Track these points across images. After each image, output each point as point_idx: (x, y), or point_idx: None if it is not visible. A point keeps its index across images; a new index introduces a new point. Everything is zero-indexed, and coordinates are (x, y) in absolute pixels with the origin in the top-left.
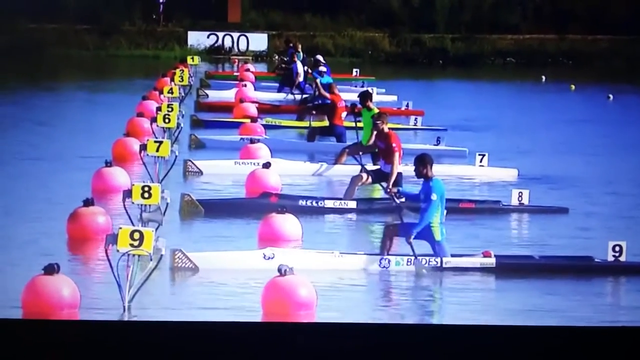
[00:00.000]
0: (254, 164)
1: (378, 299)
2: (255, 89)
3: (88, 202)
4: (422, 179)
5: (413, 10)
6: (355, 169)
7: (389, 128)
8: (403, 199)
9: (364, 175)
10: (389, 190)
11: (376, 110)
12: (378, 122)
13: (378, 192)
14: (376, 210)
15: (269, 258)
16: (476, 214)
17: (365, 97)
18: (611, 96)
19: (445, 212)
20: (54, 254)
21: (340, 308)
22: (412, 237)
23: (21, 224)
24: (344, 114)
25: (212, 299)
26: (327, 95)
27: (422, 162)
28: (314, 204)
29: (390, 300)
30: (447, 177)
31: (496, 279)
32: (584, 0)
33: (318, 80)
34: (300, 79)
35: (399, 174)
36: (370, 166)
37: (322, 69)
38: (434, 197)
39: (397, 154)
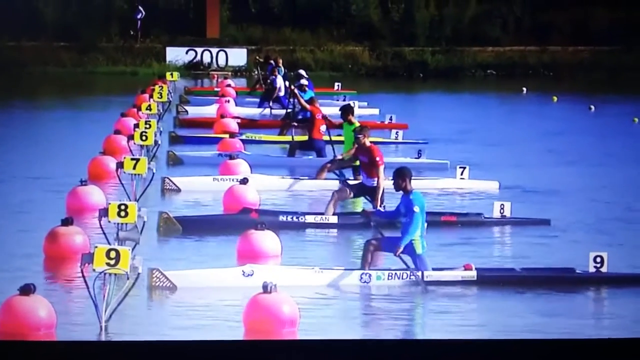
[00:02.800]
0: (232, 180)
1: (359, 315)
2: (236, 105)
3: (67, 222)
4: (402, 193)
5: (393, 24)
6: (335, 184)
7: (370, 141)
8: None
9: (346, 190)
10: (363, 212)
11: (358, 124)
12: (360, 135)
13: (359, 206)
14: (357, 225)
15: (249, 275)
16: (458, 227)
17: (346, 111)
18: (593, 107)
19: (426, 225)
20: (30, 274)
21: (322, 324)
22: (400, 251)
23: None
24: (323, 127)
25: (191, 317)
26: (307, 106)
27: (401, 175)
28: (295, 219)
29: (371, 316)
30: (428, 191)
31: (477, 292)
32: (565, 11)
33: (295, 90)
34: (281, 93)
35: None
36: (351, 181)
37: (304, 82)
38: (416, 209)
39: (381, 168)
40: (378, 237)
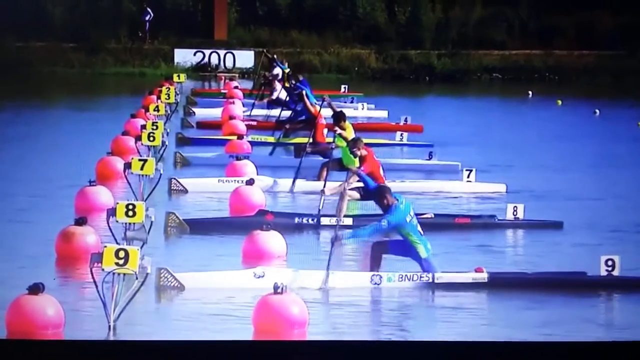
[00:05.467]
0: (238, 181)
1: (370, 316)
2: (244, 106)
3: (80, 221)
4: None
5: (399, 27)
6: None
7: (365, 144)
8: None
9: (353, 192)
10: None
11: (349, 128)
12: (354, 149)
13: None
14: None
15: (259, 277)
16: (471, 229)
17: (338, 117)
18: (598, 111)
19: (419, 227)
20: (40, 273)
21: (333, 326)
22: (341, 239)
23: (6, 242)
24: (325, 130)
25: (200, 317)
26: (312, 109)
27: (381, 195)
28: (310, 221)
29: (382, 317)
30: (435, 194)
31: (488, 294)
32: (570, 16)
33: (304, 92)
34: (282, 95)
35: (383, 188)
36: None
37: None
38: (383, 223)
39: (361, 172)
40: (385, 240)
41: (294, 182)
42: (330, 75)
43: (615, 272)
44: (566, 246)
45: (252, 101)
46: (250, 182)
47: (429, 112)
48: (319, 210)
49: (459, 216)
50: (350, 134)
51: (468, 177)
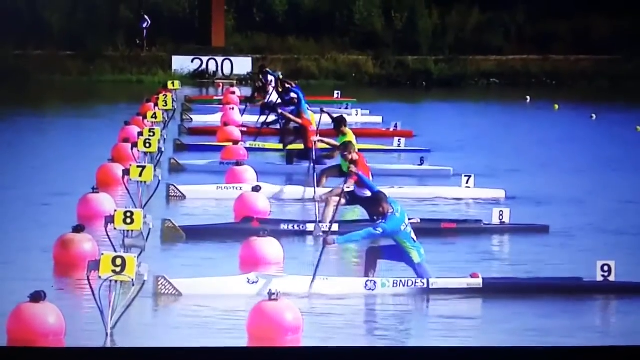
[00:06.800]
0: (236, 188)
1: (365, 322)
2: (240, 113)
3: (78, 229)
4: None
5: (396, 33)
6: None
7: (358, 150)
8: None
9: (341, 198)
10: (325, 242)
11: (350, 134)
12: (345, 153)
13: (357, 214)
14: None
15: (253, 283)
16: (458, 234)
17: (339, 122)
18: (594, 115)
19: (413, 233)
20: (40, 280)
21: (327, 332)
22: (332, 242)
23: (6, 251)
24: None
25: (197, 324)
26: (299, 120)
27: (377, 202)
28: (296, 227)
29: (377, 323)
30: (433, 199)
31: (483, 300)
32: (566, 21)
33: (295, 99)
34: (271, 88)
35: (381, 195)
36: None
37: (293, 95)
38: (378, 230)
39: (352, 181)
40: (379, 245)
41: (315, 191)
42: (327, 81)
43: (611, 278)
44: (556, 249)
45: (246, 107)
46: (256, 188)
47: (426, 118)
48: (320, 219)
49: (445, 221)
50: (351, 139)
51: (467, 182)
